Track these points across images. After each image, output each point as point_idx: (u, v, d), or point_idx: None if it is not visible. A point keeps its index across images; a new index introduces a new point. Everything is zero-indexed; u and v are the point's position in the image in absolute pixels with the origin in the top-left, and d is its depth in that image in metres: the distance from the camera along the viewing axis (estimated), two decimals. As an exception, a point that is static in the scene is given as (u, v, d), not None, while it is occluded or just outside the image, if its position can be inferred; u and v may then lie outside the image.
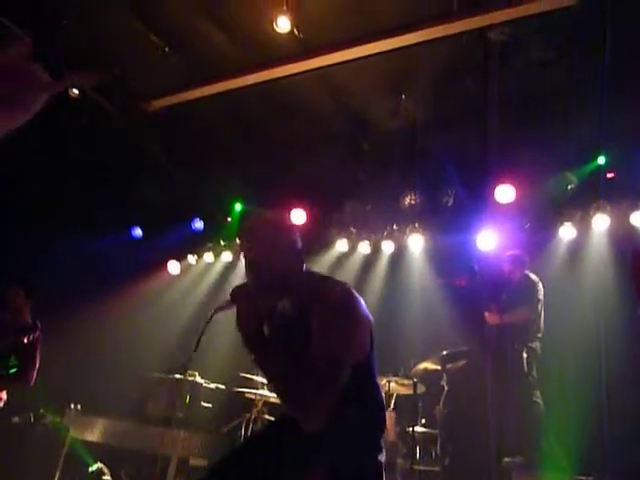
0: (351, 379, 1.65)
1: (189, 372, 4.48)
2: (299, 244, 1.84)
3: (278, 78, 4.31)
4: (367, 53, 3.99)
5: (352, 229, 5.59)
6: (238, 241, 1.83)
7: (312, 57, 4.12)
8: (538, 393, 3.99)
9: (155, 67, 4.72)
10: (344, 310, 1.70)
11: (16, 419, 4.19)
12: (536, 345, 4.17)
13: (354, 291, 1.77)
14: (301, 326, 1.70)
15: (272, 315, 1.79)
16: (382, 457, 1.75)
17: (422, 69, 4.43)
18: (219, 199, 6.18)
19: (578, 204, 4.65)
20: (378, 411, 1.82)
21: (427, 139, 4.85)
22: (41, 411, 4.38)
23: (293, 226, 1.88)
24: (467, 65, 4.41)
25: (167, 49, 4.52)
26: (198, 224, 6.25)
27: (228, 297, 1.75)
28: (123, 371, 5.25)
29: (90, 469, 4.30)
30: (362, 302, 1.77)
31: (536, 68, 4.38)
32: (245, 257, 1.82)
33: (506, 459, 3.79)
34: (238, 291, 1.75)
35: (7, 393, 3.61)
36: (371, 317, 1.81)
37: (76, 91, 5.01)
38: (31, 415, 4.26)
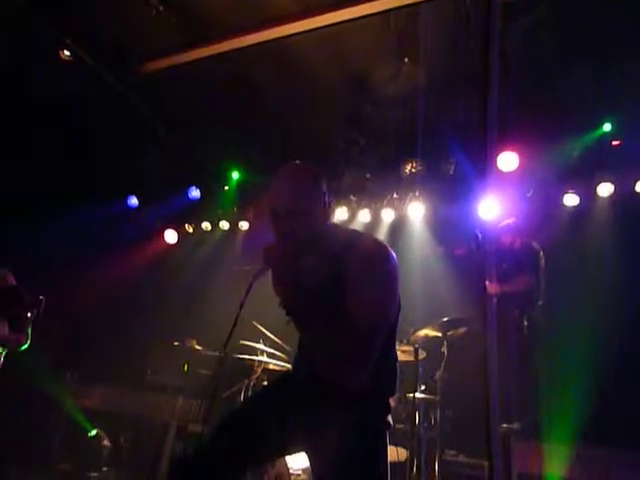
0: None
1: (191, 341, 4.46)
2: (327, 196, 1.76)
3: (278, 38, 4.17)
4: (369, 12, 3.85)
5: (352, 197, 5.51)
6: (270, 192, 1.69)
7: (312, 16, 3.98)
8: (538, 361, 3.99)
9: (149, 28, 4.56)
10: (382, 265, 1.66)
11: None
12: (537, 313, 4.16)
13: (387, 245, 1.73)
14: (334, 281, 1.66)
15: (304, 271, 1.72)
16: (390, 419, 1.77)
17: (425, 31, 4.30)
18: (216, 167, 6.09)
19: (582, 172, 4.58)
20: (395, 374, 1.81)
21: (429, 105, 4.74)
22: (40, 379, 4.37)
23: (322, 177, 1.78)
24: (471, 27, 4.28)
25: (161, 8, 4.36)
26: (194, 192, 6.16)
27: (261, 262, 1.69)
28: (122, 339, 5.24)
29: (89, 435, 4.32)
30: (395, 257, 1.72)
31: (541, 30, 4.26)
32: (277, 209, 1.70)
33: (504, 425, 3.80)
34: (270, 252, 1.69)
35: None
36: None
37: (67, 52, 4.85)
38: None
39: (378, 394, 1.73)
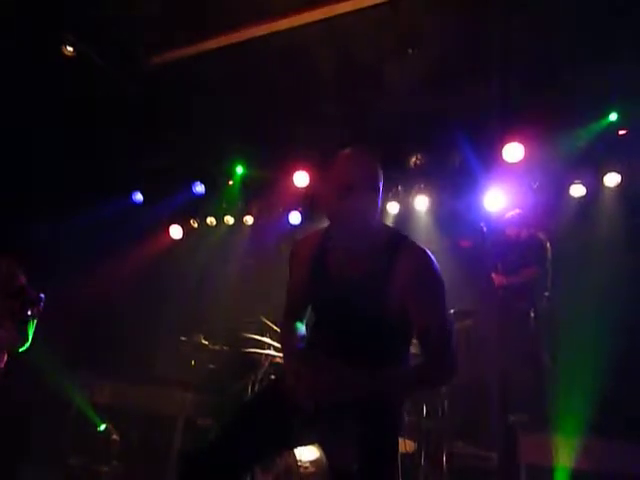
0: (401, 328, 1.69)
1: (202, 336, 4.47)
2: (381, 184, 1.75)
3: (281, 31, 4.15)
4: (373, 2, 3.82)
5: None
6: (329, 173, 1.64)
7: (316, 8, 3.95)
8: (545, 352, 3.98)
9: (150, 22, 4.55)
10: (434, 270, 1.68)
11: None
12: (543, 304, 4.15)
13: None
14: (380, 280, 1.66)
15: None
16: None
17: (430, 22, 4.27)
18: (220, 162, 6.08)
19: (589, 162, 4.55)
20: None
21: (433, 96, 4.71)
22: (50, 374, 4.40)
23: (378, 163, 1.76)
24: (476, 18, 4.24)
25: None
26: (199, 188, 6.16)
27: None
28: (129, 335, 5.26)
29: (98, 429, 4.35)
30: None
31: (546, 19, 4.21)
32: (330, 194, 1.69)
33: (511, 417, 3.80)
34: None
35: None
36: None
37: (70, 48, 4.84)
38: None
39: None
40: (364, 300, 1.67)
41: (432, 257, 1.68)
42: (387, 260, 1.65)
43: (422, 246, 1.74)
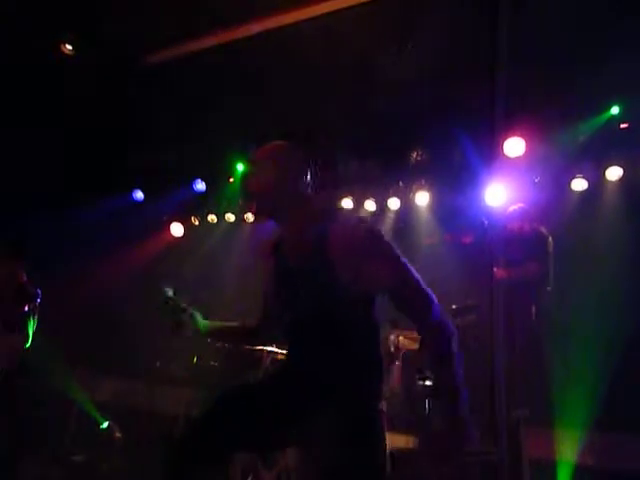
0: (362, 315, 1.64)
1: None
2: (308, 175, 1.75)
3: (278, 27, 4.13)
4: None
5: (357, 186, 5.48)
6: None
7: (314, 3, 3.94)
8: (548, 347, 3.97)
9: (150, 19, 4.53)
10: (368, 237, 1.62)
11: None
12: (546, 299, 4.13)
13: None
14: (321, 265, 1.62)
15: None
16: (383, 406, 1.69)
17: (429, 15, 4.25)
18: (221, 159, 6.07)
19: (591, 156, 4.52)
20: (380, 356, 1.74)
21: (434, 91, 4.69)
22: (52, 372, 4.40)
23: (300, 155, 1.78)
24: (476, 11, 4.22)
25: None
26: (200, 185, 6.15)
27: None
28: (130, 332, 5.26)
29: (101, 427, 4.36)
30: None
31: (548, 14, 4.19)
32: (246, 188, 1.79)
33: (514, 411, 3.79)
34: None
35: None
36: None
37: (69, 47, 4.83)
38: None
39: (367, 373, 1.67)
40: (314, 289, 1.64)
41: (363, 227, 1.65)
42: (320, 246, 1.63)
43: (352, 218, 1.76)
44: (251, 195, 1.74)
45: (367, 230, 1.63)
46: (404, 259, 1.63)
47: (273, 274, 1.82)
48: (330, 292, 1.60)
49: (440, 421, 1.54)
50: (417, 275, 1.62)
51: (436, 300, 1.60)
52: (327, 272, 1.59)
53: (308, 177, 1.75)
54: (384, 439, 1.64)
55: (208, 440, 1.62)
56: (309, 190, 1.75)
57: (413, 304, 1.60)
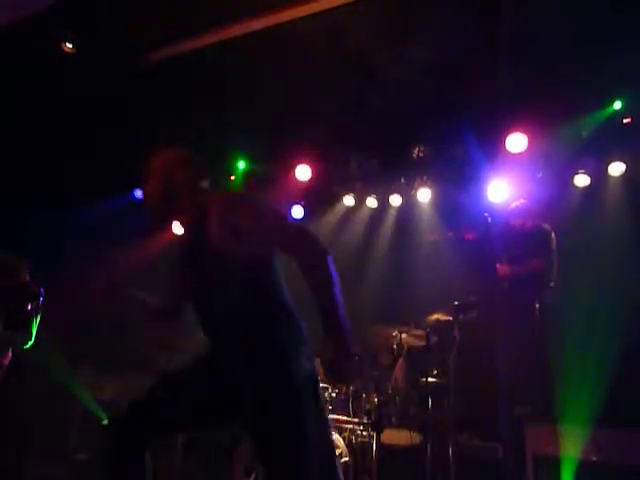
0: (263, 277, 1.75)
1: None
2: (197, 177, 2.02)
3: (278, 24, 4.11)
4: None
5: (359, 183, 5.47)
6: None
7: (314, 0, 3.92)
8: (551, 343, 3.96)
9: (149, 17, 4.52)
10: (237, 200, 1.82)
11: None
12: (549, 295, 4.12)
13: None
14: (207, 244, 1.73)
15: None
16: (310, 365, 1.73)
17: (429, 11, 4.22)
18: (222, 157, 6.06)
19: (593, 151, 4.51)
20: (289, 310, 1.80)
21: (435, 86, 4.67)
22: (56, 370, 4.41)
23: (187, 160, 2.03)
24: (477, 6, 4.20)
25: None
26: (200, 185, 6.13)
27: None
28: (132, 331, 5.26)
29: (103, 424, 4.36)
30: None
31: (550, 9, 4.17)
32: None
33: (517, 408, 3.79)
34: None
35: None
36: None
37: (70, 45, 4.82)
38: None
39: (283, 334, 1.74)
40: (209, 264, 1.77)
41: (234, 193, 1.85)
42: (200, 221, 1.79)
43: (226, 192, 1.91)
44: (150, 206, 1.96)
45: (237, 195, 1.81)
46: (282, 214, 1.77)
47: (178, 265, 2.03)
48: (222, 262, 1.70)
49: (329, 346, 1.61)
50: (298, 225, 1.76)
51: (322, 245, 1.67)
52: (211, 243, 1.70)
53: (192, 175, 1.98)
54: (305, 373, 1.69)
55: (142, 422, 1.80)
56: (195, 185, 1.98)
57: (300, 253, 1.67)
